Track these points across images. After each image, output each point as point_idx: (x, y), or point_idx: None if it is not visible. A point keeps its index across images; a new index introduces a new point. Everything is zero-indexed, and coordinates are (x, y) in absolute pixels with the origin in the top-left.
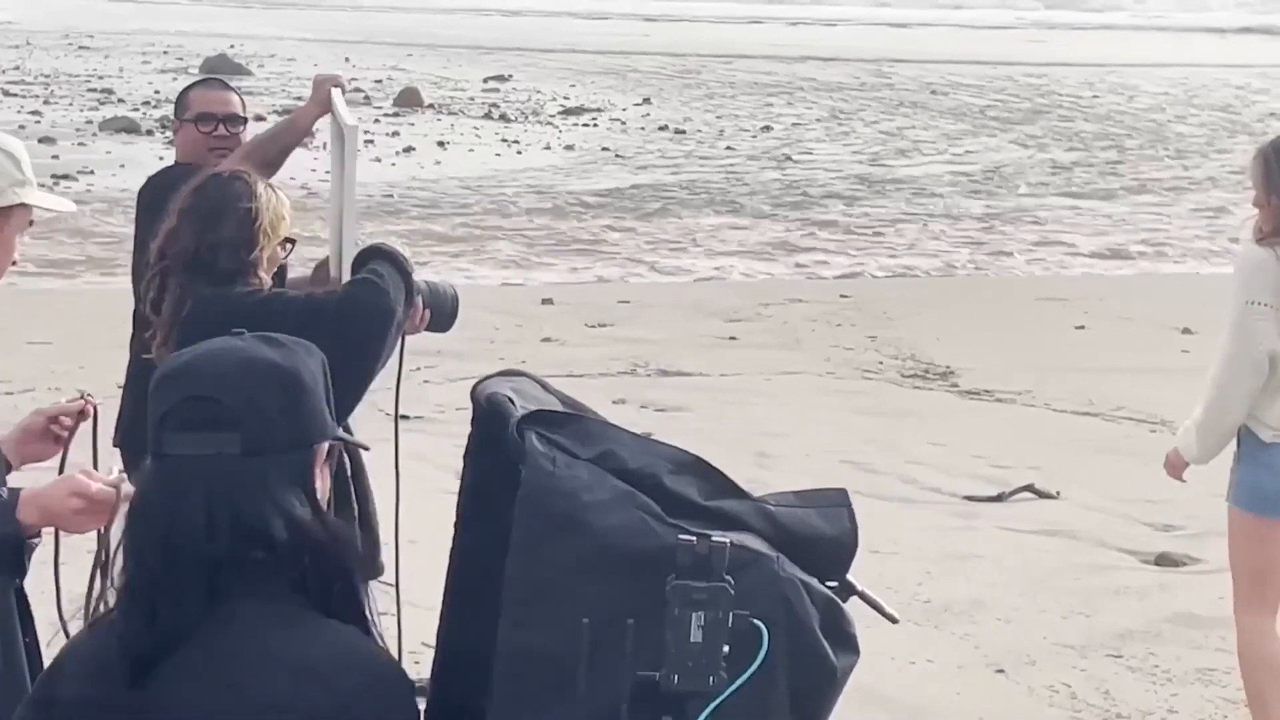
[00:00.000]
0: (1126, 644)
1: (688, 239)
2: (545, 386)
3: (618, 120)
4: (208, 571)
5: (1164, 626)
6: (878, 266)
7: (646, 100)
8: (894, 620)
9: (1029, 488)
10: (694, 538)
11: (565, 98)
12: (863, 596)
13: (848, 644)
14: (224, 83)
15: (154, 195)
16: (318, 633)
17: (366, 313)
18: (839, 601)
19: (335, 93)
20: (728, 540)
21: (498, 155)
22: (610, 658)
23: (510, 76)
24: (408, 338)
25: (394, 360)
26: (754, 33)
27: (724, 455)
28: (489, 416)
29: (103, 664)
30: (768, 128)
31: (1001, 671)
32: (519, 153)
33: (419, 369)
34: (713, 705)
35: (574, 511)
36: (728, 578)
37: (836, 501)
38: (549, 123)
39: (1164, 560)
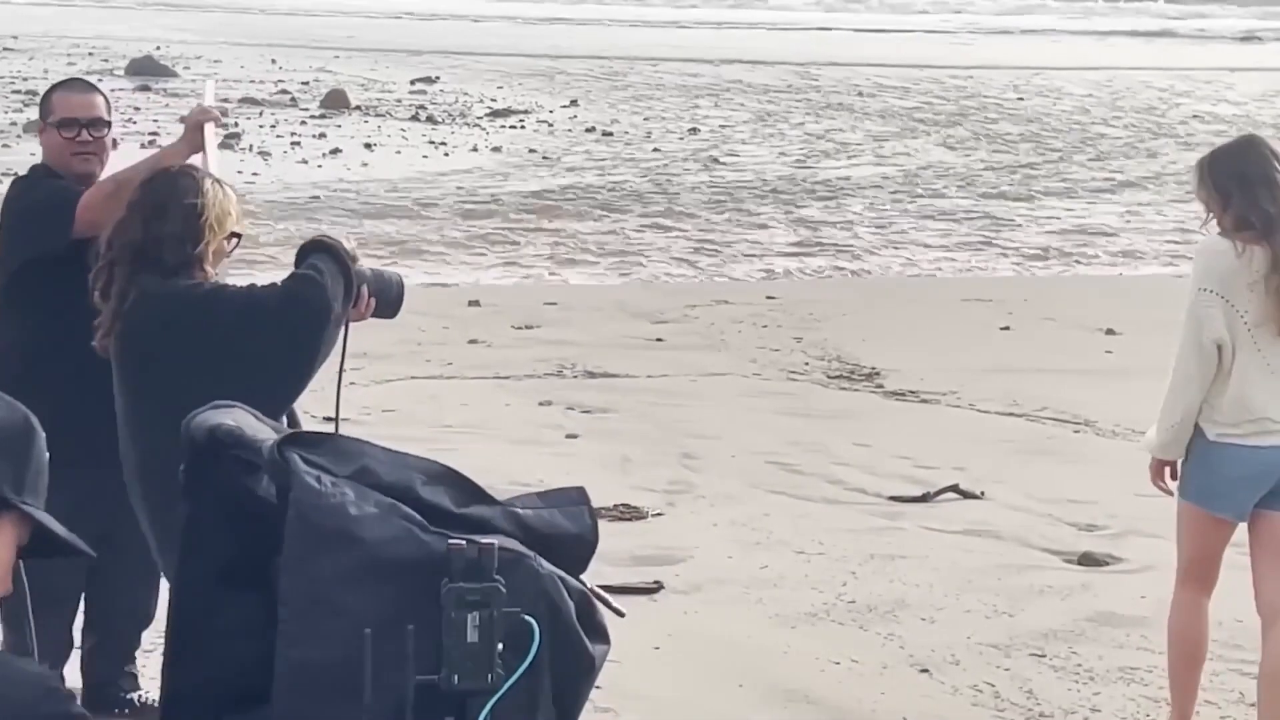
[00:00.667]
0: (1050, 643)
1: (615, 241)
2: (257, 416)
3: (545, 122)
4: None
5: (1087, 626)
6: (804, 268)
7: (574, 102)
8: (620, 614)
9: (953, 488)
10: (463, 542)
11: (493, 100)
12: (592, 593)
13: (600, 634)
14: (89, 84)
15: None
16: None
17: (306, 308)
18: (590, 594)
19: (209, 129)
20: (495, 542)
21: (425, 157)
22: (392, 664)
23: (437, 79)
24: (352, 330)
25: (335, 357)
26: (679, 35)
27: (650, 457)
28: (205, 451)
29: None
30: (695, 129)
31: (926, 671)
32: (446, 155)
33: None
34: (492, 701)
35: (344, 526)
36: (498, 578)
37: (576, 501)
38: (476, 125)
39: (1087, 560)
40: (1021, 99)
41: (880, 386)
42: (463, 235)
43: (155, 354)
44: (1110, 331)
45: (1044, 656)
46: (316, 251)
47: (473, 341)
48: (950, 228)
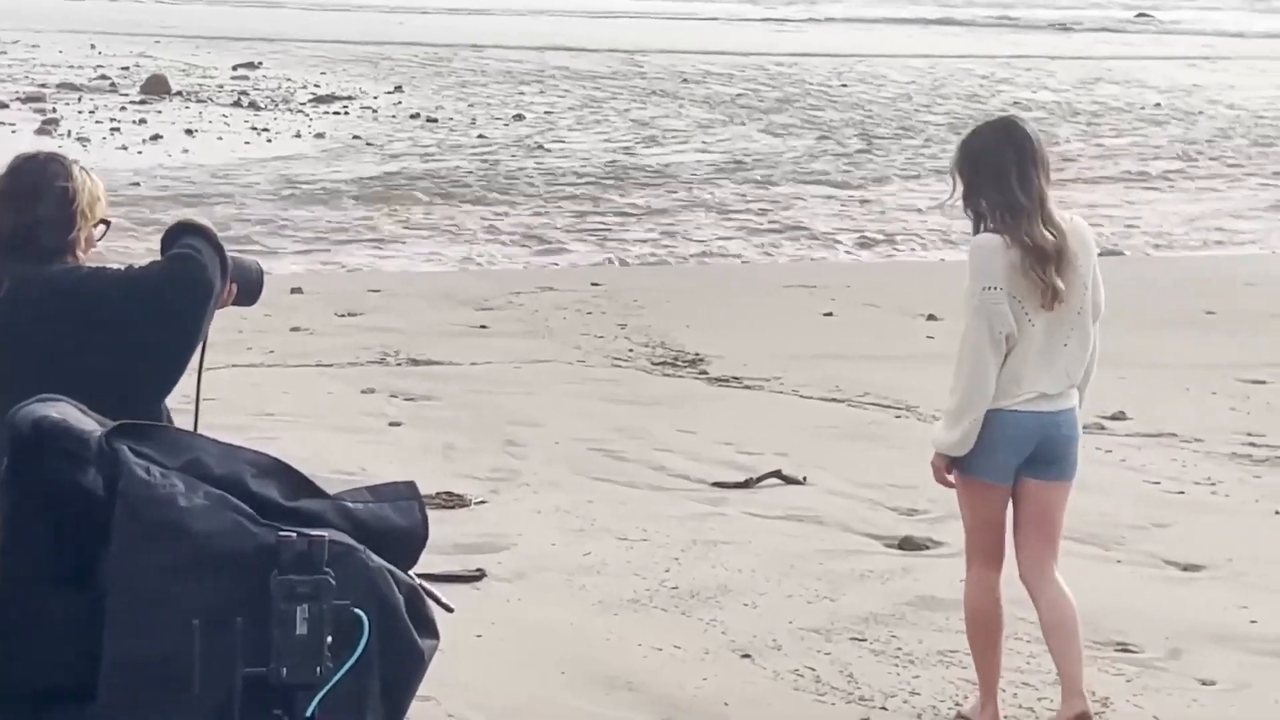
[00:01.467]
0: (870, 627)
1: (439, 227)
2: (83, 410)
3: (369, 108)
4: None
5: (906, 609)
6: (629, 255)
7: (398, 88)
8: (449, 610)
9: (776, 473)
10: (293, 534)
11: (316, 86)
12: (422, 588)
13: (430, 629)
14: None
15: None
16: None
17: (187, 286)
18: (419, 589)
19: None
20: (325, 535)
21: (247, 143)
22: (221, 657)
23: (260, 64)
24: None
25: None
26: (502, 22)
27: (474, 444)
28: (29, 443)
29: None
30: (520, 116)
31: (748, 657)
32: (269, 141)
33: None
34: (320, 694)
35: (172, 518)
36: (328, 570)
37: (407, 495)
38: (299, 111)
39: (907, 544)
40: (845, 86)
41: (704, 373)
42: (285, 222)
43: (36, 339)
44: (931, 317)
45: (864, 640)
46: (188, 233)
47: (295, 329)
48: (774, 214)
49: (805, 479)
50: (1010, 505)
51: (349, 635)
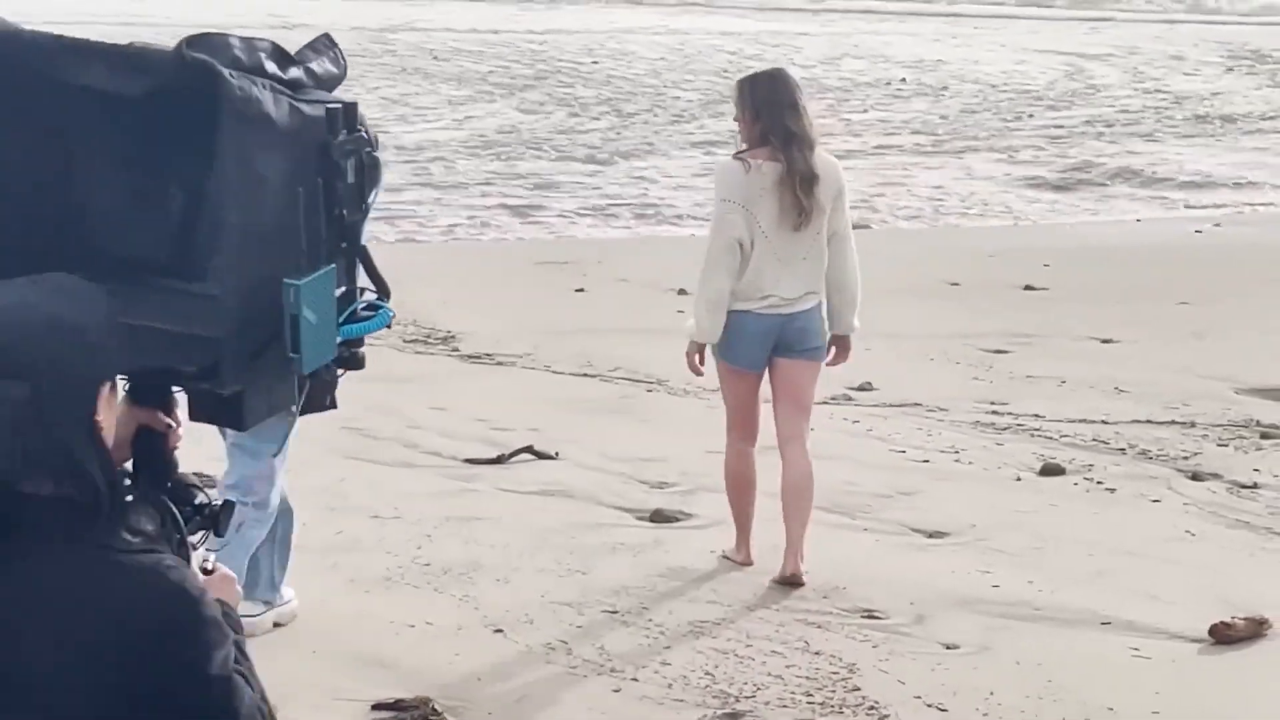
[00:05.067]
0: (621, 599)
1: None
2: None
3: None
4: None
5: (658, 581)
6: (380, 232)
7: None
8: None
9: (528, 449)
10: (339, 104)
11: None
12: None
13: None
14: None
15: None
16: (103, 561)
17: None
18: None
19: None
20: (355, 101)
21: None
22: (310, 211)
23: None
24: None
25: None
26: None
27: None
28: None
29: None
30: None
31: (500, 631)
32: None
33: None
34: (365, 223)
35: (263, 109)
36: (361, 126)
37: (327, 44)
38: None
39: (658, 517)
40: (596, 63)
41: (456, 350)
42: None
43: None
44: (682, 291)
45: (616, 613)
46: None
47: None
48: (526, 191)
49: (557, 454)
50: (769, 386)
51: (372, 176)
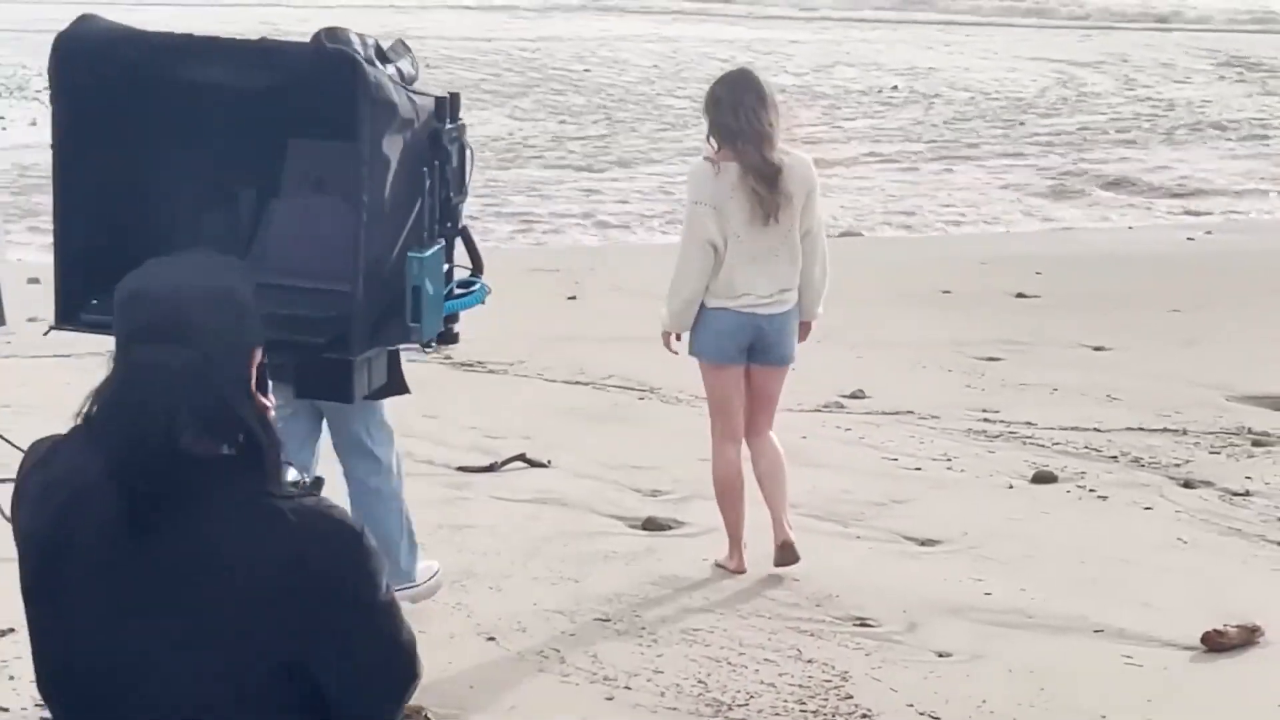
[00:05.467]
0: (614, 607)
1: None
2: None
3: None
4: (169, 459)
5: (650, 589)
6: None
7: None
8: None
9: (521, 457)
10: (446, 95)
11: None
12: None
13: None
14: None
15: None
16: (271, 508)
17: None
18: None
19: None
20: (458, 93)
21: None
22: (426, 192)
23: None
24: None
25: None
26: (221, 11)
27: None
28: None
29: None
30: None
31: (493, 639)
32: (3, 129)
33: None
34: (463, 206)
35: (390, 98)
36: (460, 117)
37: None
38: (35, 99)
39: (651, 525)
40: (588, 70)
41: (449, 357)
42: (20, 211)
43: None
44: None
45: (609, 621)
46: None
47: (32, 320)
48: (516, 199)
49: (550, 462)
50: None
51: (471, 161)
